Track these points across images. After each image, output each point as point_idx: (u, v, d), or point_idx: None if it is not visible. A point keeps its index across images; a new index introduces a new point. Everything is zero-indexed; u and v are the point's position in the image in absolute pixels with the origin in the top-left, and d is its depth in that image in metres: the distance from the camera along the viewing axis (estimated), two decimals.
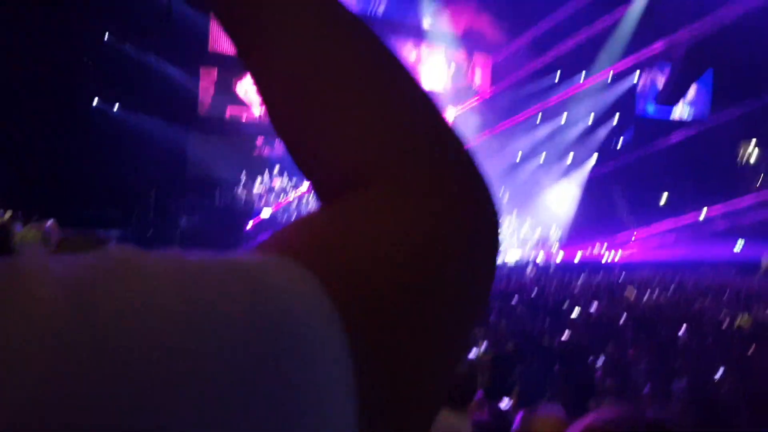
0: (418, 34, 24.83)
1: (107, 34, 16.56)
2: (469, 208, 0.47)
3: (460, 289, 0.44)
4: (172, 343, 0.28)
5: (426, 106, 0.48)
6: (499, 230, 0.49)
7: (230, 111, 21.06)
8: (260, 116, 21.83)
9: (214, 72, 20.32)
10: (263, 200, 19.62)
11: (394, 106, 0.47)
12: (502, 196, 25.23)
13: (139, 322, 0.28)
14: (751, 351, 7.98)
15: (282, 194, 20.09)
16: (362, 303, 0.38)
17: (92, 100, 16.69)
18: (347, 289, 0.37)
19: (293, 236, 0.43)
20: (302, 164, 0.48)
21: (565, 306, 11.49)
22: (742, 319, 10.06)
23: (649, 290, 14.09)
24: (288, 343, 0.32)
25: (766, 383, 6.51)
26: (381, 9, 24.27)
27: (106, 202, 15.32)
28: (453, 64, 26.10)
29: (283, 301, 0.34)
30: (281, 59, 0.46)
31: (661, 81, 27.15)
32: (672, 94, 26.74)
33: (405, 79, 0.48)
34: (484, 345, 7.69)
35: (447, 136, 0.49)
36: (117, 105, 17.13)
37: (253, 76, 0.48)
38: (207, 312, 0.30)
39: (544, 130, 26.51)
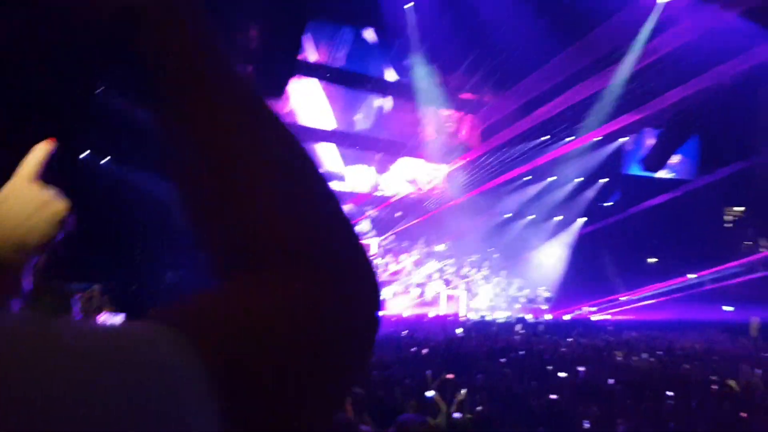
0: (409, 93, 25.28)
1: (99, 85, 16.70)
2: (347, 296, 0.51)
3: (330, 362, 0.49)
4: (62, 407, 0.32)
5: (323, 204, 0.53)
6: (375, 319, 0.53)
7: None
8: None
9: None
10: None
11: (296, 203, 0.51)
12: (491, 255, 25.26)
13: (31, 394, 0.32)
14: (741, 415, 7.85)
15: None
16: (232, 367, 0.43)
17: (81, 152, 16.70)
18: (220, 357, 0.43)
19: (186, 308, 0.47)
20: (203, 240, 0.54)
21: (553, 367, 11.33)
22: (732, 382, 9.94)
23: (637, 352, 13.97)
24: (162, 405, 0.37)
25: None
26: (389, 72, 24.97)
27: (91, 255, 15.19)
28: (444, 123, 26.51)
29: (162, 369, 0.38)
30: (208, 144, 0.52)
31: (648, 144, 27.60)
32: (657, 160, 27.15)
33: (309, 181, 0.54)
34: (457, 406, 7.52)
35: (339, 232, 0.53)
36: (107, 157, 17.16)
37: (172, 145, 0.55)
38: (92, 379, 0.34)
39: (533, 190, 26.78)
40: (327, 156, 24.06)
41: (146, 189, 17.28)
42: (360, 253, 0.54)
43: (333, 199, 0.54)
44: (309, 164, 0.54)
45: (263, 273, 0.49)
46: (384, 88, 25.09)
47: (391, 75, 25.33)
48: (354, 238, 0.54)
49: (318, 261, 0.50)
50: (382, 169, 25.50)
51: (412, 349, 12.20)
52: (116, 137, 17.15)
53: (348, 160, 24.82)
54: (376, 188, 25.20)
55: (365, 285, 0.53)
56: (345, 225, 0.54)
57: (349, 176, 24.74)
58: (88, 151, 17.00)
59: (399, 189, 25.58)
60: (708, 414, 8.06)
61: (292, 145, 0.54)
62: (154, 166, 17.66)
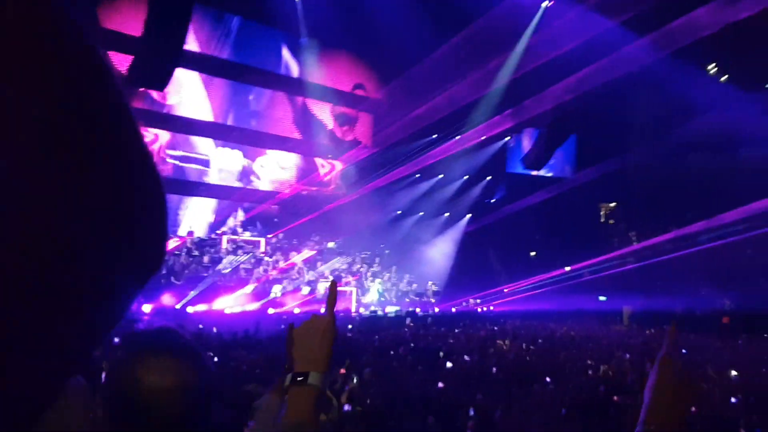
0: (301, 88, 25.08)
1: None
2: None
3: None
4: None
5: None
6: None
7: None
8: None
9: None
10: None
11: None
12: (383, 251, 25.50)
13: None
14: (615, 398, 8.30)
15: None
16: None
17: None
18: None
19: None
20: None
21: (440, 358, 11.55)
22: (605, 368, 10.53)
23: (519, 341, 14.52)
24: None
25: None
26: (276, 64, 24.52)
27: None
28: (336, 120, 26.51)
29: None
30: None
31: (528, 143, 28.85)
32: (537, 159, 28.46)
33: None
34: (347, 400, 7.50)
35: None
36: None
37: None
38: None
39: (421, 188, 27.32)
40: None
41: None
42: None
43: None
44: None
45: None
46: (270, 81, 24.69)
47: (278, 67, 25.01)
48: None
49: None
50: (252, 156, 25.10)
51: None
52: None
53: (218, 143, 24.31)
54: (247, 176, 24.79)
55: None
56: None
57: (217, 159, 24.22)
58: None
59: (273, 178, 25.30)
60: (584, 396, 8.46)
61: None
62: None
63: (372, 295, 22.48)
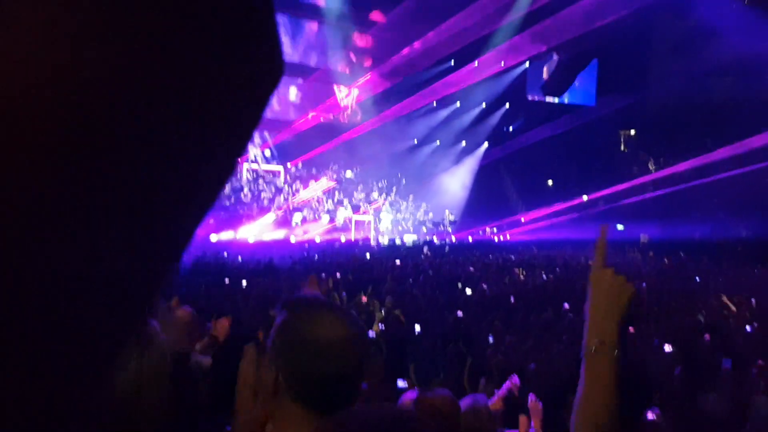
0: (314, 12, 24.63)
1: None
2: None
3: None
4: None
5: None
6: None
7: None
8: None
9: None
10: None
11: None
12: (400, 180, 25.62)
13: None
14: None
15: None
16: None
17: None
18: None
19: None
20: None
21: (459, 287, 11.80)
22: None
23: (536, 269, 14.75)
24: None
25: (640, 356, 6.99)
26: None
27: None
28: (353, 45, 26.12)
29: None
30: None
31: (548, 69, 28.30)
32: (558, 85, 27.94)
33: None
34: (380, 327, 7.78)
35: None
36: None
37: None
38: None
39: (439, 116, 27.10)
40: None
41: None
42: None
43: None
44: None
45: None
46: (285, 5, 24.26)
47: None
48: None
49: None
50: None
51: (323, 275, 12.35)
52: None
53: None
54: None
55: None
56: None
57: None
58: None
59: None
60: None
61: None
62: None
63: (390, 224, 22.73)
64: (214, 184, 0.33)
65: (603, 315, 1.28)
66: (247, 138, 0.36)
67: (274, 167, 23.03)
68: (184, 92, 0.30)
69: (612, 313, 1.29)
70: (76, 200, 0.26)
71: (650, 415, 3.77)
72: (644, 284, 12.43)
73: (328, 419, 1.03)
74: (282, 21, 24.60)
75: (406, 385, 5.43)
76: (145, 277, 0.33)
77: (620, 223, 24.43)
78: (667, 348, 7.16)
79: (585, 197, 24.95)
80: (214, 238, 17.54)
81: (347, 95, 26.11)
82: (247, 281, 10.96)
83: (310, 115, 25.23)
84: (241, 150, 0.35)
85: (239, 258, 14.44)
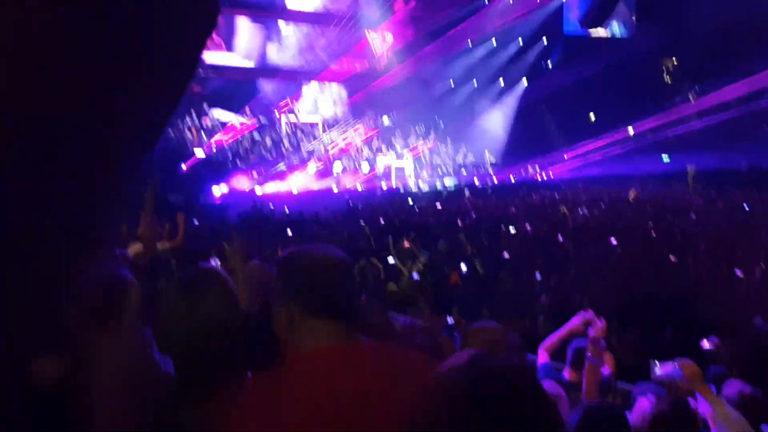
0: None
1: None
2: None
3: None
4: None
5: None
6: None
7: None
8: None
9: None
10: (195, 140, 19.15)
11: None
12: (437, 124, 25.41)
13: None
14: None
15: (214, 133, 19.65)
16: None
17: None
18: None
19: None
20: None
21: (502, 228, 11.81)
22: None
23: (580, 206, 14.62)
24: None
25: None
26: None
27: None
28: None
29: None
30: None
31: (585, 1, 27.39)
32: (597, 16, 27.04)
33: None
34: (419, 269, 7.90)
35: None
36: None
37: None
38: None
39: (475, 56, 26.56)
40: None
41: None
42: None
43: None
44: None
45: None
46: None
47: None
48: None
49: None
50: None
51: (361, 222, 12.50)
52: None
53: None
54: None
55: None
56: None
57: None
58: None
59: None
60: (647, 256, 8.65)
61: None
62: None
63: (430, 168, 22.67)
64: (156, 125, 0.40)
65: None
66: (186, 81, 0.42)
67: (312, 118, 23.05)
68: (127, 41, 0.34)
69: None
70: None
71: (706, 344, 3.80)
72: (693, 216, 12.25)
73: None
74: None
75: (454, 322, 5.57)
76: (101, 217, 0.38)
77: (666, 155, 23.90)
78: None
79: (630, 130, 24.36)
80: (259, 191, 17.82)
81: (382, 42, 25.71)
82: (292, 231, 11.22)
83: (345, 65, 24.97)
84: (179, 91, 0.41)
85: (285, 209, 14.70)
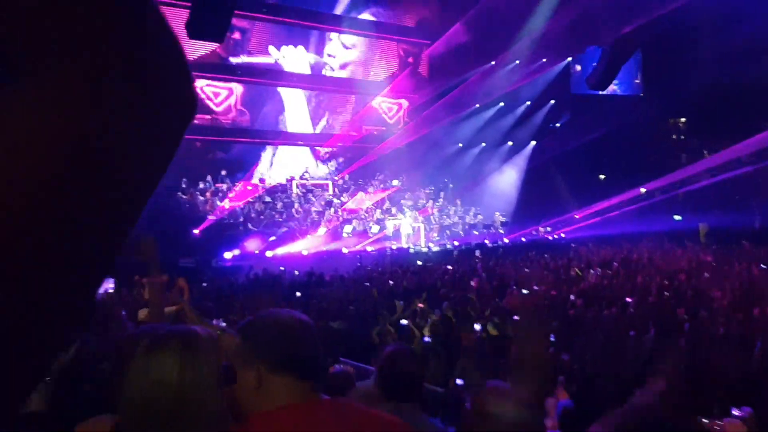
0: (368, 25, 25.01)
1: None
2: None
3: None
4: None
5: None
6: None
7: None
8: (210, 118, 21.94)
9: None
10: (208, 204, 19.35)
11: None
12: (447, 185, 25.57)
13: None
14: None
15: (226, 198, 19.86)
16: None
17: None
18: None
19: None
20: None
21: (514, 288, 11.69)
22: None
23: (593, 266, 14.48)
24: None
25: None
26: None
27: None
28: (400, 57, 26.36)
29: None
30: None
31: (592, 62, 27.85)
32: (603, 78, 27.44)
33: None
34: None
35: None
36: None
37: None
38: None
39: (483, 117, 26.95)
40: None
41: None
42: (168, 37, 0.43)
43: None
44: None
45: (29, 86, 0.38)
46: (333, 23, 24.76)
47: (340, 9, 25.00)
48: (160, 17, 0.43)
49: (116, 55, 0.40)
50: (318, 49, 25.23)
51: (387, 282, 12.42)
52: None
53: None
54: (319, 69, 24.92)
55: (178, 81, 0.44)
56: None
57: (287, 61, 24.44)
58: None
59: (344, 61, 25.37)
60: (665, 316, 8.49)
61: None
62: None
63: (439, 229, 22.65)
64: (135, 206, 0.43)
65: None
66: (164, 165, 0.45)
67: (323, 181, 23.31)
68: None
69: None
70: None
71: (737, 413, 3.60)
72: (706, 274, 12.09)
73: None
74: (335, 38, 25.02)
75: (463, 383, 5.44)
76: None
77: (677, 214, 23.81)
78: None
79: (643, 190, 24.35)
80: (269, 254, 17.84)
81: (398, 107, 26.24)
82: (301, 293, 11.15)
83: (360, 130, 25.46)
84: (158, 174, 0.44)
85: (295, 272, 14.67)
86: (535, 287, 11.64)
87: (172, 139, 0.44)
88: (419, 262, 17.56)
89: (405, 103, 26.23)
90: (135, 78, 0.40)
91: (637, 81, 28.26)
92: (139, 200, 0.43)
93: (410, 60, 26.38)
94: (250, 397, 1.46)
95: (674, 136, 29.20)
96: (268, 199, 20.69)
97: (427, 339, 7.42)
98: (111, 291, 10.65)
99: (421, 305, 9.07)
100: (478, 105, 26.41)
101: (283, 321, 1.51)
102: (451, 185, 25.74)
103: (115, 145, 0.39)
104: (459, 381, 5.18)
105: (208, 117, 22.17)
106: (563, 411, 3.55)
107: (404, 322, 7.89)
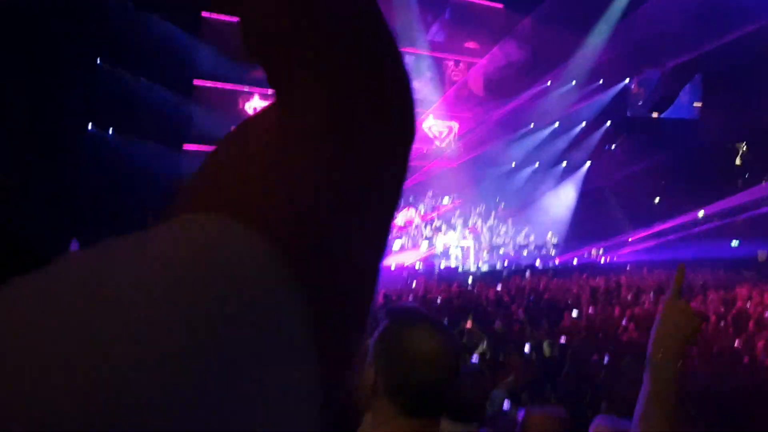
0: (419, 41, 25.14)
1: (99, 59, 16.67)
2: (379, 99, 0.46)
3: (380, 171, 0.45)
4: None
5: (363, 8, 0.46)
6: (407, 103, 0.49)
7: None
8: None
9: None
10: None
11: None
12: (498, 204, 25.42)
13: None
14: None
15: None
16: (300, 239, 0.37)
17: (86, 125, 16.77)
18: (285, 234, 0.36)
19: (217, 187, 0.41)
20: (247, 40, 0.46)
21: (564, 310, 11.56)
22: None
23: (646, 291, 14.18)
24: (251, 310, 0.31)
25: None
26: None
27: (101, 230, 15.16)
28: (448, 74, 26.37)
29: (238, 270, 0.33)
30: None
31: (651, 84, 27.42)
32: (662, 101, 26.99)
33: None
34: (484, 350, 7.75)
35: (373, 34, 0.46)
36: (111, 129, 17.22)
37: None
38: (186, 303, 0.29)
39: (538, 138, 26.74)
40: None
41: (151, 159, 17.29)
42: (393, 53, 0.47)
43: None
44: None
45: (288, 95, 0.42)
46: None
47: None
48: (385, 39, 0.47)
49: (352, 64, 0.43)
50: None
51: (436, 299, 12.43)
52: (120, 109, 17.13)
53: None
54: None
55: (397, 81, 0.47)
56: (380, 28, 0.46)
57: None
58: (91, 124, 17.01)
59: None
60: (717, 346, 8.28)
61: None
62: (156, 135, 17.69)
63: (490, 249, 22.50)
64: None
65: (669, 337, 1.45)
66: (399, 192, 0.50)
67: None
68: None
69: (677, 337, 1.45)
70: None
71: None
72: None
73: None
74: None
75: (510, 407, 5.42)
76: None
77: (736, 240, 23.08)
78: None
79: (701, 213, 23.73)
80: None
81: (449, 131, 26.23)
82: None
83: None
84: None
85: None
86: (590, 311, 11.51)
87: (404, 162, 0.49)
88: (469, 280, 17.51)
89: (455, 126, 26.08)
90: (379, 105, 0.45)
91: (697, 105, 27.62)
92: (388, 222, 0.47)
93: (459, 78, 26.35)
94: (364, 401, 1.31)
95: (735, 160, 28.37)
96: None
97: (474, 360, 7.40)
98: None
99: (470, 324, 9.05)
100: (532, 125, 26.24)
101: (417, 341, 1.27)
102: (502, 204, 25.58)
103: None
104: (506, 405, 5.16)
105: None
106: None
107: None
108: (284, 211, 0.37)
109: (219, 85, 20.34)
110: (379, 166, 0.45)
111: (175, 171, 18.79)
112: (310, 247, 0.37)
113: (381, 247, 0.45)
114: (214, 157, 0.43)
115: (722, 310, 11.30)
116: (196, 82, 19.96)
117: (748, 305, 12.04)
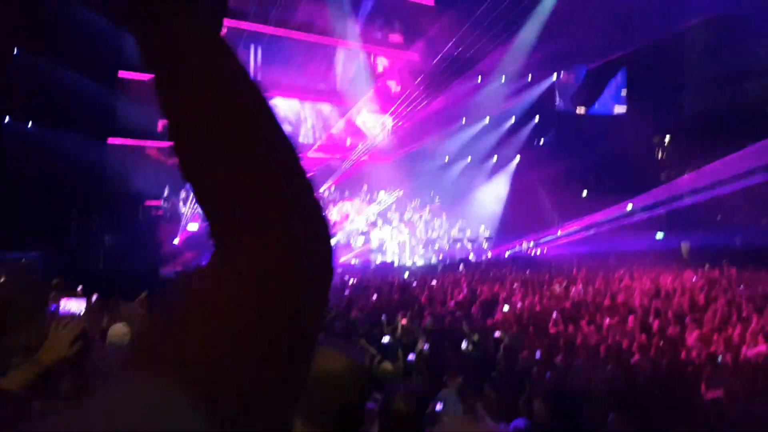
0: (348, 36, 24.95)
1: (16, 48, 15.84)
2: (310, 251, 0.54)
3: (296, 323, 0.52)
4: None
5: (285, 160, 0.55)
6: (328, 263, 0.56)
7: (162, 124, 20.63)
8: None
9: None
10: (189, 213, 19.22)
11: (260, 162, 0.54)
12: (433, 199, 25.61)
13: None
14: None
15: None
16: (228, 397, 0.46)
17: (3, 117, 15.94)
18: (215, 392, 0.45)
19: (162, 350, 0.48)
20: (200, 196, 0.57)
21: (497, 304, 11.71)
22: None
23: (574, 283, 14.54)
24: None
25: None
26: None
27: (23, 224, 14.55)
28: (381, 71, 26.35)
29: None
30: (192, 101, 0.57)
31: (577, 79, 28.16)
32: (588, 96, 27.79)
33: (274, 135, 0.56)
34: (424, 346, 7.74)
35: (297, 188, 0.55)
36: (30, 122, 16.42)
37: (164, 103, 0.59)
38: None
39: (469, 133, 27.06)
40: None
41: (73, 152, 16.60)
42: (317, 207, 0.56)
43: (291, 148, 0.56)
44: (276, 121, 0.57)
45: (225, 254, 0.52)
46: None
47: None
48: (309, 191, 0.56)
49: (288, 217, 0.53)
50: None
51: (372, 296, 12.37)
52: (39, 100, 16.35)
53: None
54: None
55: (321, 235, 0.55)
56: (301, 179, 0.56)
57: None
58: (9, 117, 16.21)
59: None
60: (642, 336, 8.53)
61: (263, 102, 0.57)
62: (79, 128, 16.95)
63: (425, 243, 22.63)
64: None
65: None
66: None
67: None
68: None
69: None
70: None
71: None
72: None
73: None
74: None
75: (442, 409, 5.39)
76: None
77: (660, 232, 23.98)
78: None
79: (629, 206, 24.53)
80: None
81: (381, 126, 26.19)
82: None
83: (348, 141, 25.39)
84: None
85: None
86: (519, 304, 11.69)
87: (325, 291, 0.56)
88: (405, 275, 17.56)
89: (389, 121, 26.06)
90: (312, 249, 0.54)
91: (621, 103, 28.53)
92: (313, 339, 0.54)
93: (388, 72, 26.39)
94: None
95: (658, 155, 29.46)
96: None
97: (411, 358, 7.36)
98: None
99: (404, 321, 9.02)
100: (464, 121, 26.56)
101: (318, 369, 1.26)
102: (437, 198, 25.79)
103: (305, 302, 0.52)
104: (438, 406, 5.13)
105: None
106: (514, 430, 3.54)
107: (386, 340, 7.84)
108: (221, 378, 0.46)
109: (145, 77, 19.51)
110: (303, 322, 0.52)
111: (99, 164, 18.11)
112: (236, 401, 0.46)
113: (301, 388, 0.52)
114: (163, 315, 0.51)
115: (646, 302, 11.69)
116: (122, 73, 19.17)
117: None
